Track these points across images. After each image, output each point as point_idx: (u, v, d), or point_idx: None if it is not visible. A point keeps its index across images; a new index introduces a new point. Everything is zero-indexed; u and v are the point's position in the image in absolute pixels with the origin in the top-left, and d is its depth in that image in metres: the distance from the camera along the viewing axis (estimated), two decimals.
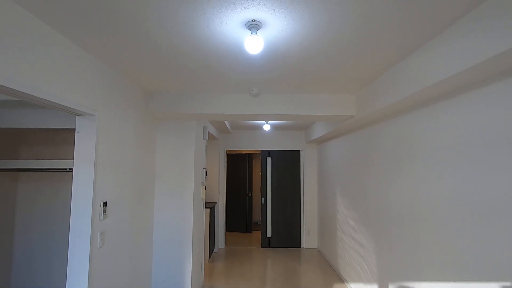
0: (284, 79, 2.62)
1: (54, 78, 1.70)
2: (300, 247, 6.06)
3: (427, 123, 2.22)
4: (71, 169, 2.80)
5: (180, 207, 3.37)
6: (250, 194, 7.45)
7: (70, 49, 1.84)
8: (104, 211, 2.20)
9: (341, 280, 4.25)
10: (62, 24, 1.63)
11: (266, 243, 6.05)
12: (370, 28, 1.66)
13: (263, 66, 2.29)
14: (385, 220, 2.89)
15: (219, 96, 3.09)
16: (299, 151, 6.25)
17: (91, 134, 2.09)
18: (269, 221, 6.10)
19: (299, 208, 6.12)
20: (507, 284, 1.52)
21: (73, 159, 2.11)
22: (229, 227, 7.58)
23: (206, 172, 4.09)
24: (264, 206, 6.12)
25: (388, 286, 2.82)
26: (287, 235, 6.07)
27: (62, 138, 3.16)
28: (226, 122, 4.85)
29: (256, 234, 7.24)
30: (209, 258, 5.11)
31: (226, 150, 6.20)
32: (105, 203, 2.21)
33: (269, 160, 6.22)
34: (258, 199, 8.50)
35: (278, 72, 2.43)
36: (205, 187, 4.48)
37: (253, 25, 1.61)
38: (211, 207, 5.14)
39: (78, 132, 2.09)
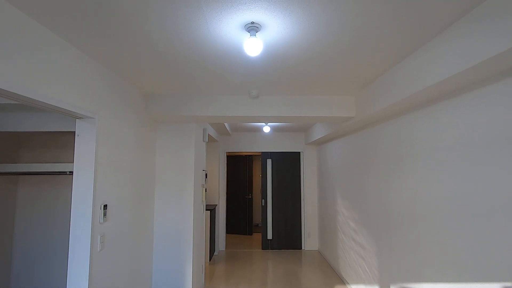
0: (283, 81, 2.62)
1: (54, 81, 1.70)
2: (301, 249, 6.04)
3: (427, 124, 2.22)
4: (71, 173, 2.80)
5: (180, 210, 3.36)
6: (250, 196, 7.43)
7: (70, 52, 1.85)
8: (104, 214, 2.20)
9: (342, 282, 4.24)
10: (61, 27, 1.63)
11: (266, 245, 6.04)
12: (369, 29, 1.67)
13: (262, 68, 2.30)
14: (385, 221, 2.88)
15: (219, 98, 3.09)
16: (299, 152, 6.24)
17: (91, 137, 2.09)
18: (270, 223, 6.09)
19: (299, 209, 6.11)
20: (508, 284, 1.51)
21: (73, 162, 2.10)
22: (229, 229, 7.55)
23: (206, 174, 4.09)
24: (264, 208, 6.11)
25: (389, 287, 2.81)
26: (288, 237, 6.05)
27: (62, 142, 3.16)
28: (226, 124, 4.85)
29: (257, 236, 7.22)
30: (209, 260, 5.09)
31: (226, 152, 6.19)
32: (105, 206, 2.21)
33: (269, 162, 6.22)
34: (258, 201, 8.49)
35: (277, 74, 2.44)
36: (205, 189, 4.48)
37: (252, 27, 1.61)
38: (211, 209, 5.13)
39: (78, 135, 2.08)
